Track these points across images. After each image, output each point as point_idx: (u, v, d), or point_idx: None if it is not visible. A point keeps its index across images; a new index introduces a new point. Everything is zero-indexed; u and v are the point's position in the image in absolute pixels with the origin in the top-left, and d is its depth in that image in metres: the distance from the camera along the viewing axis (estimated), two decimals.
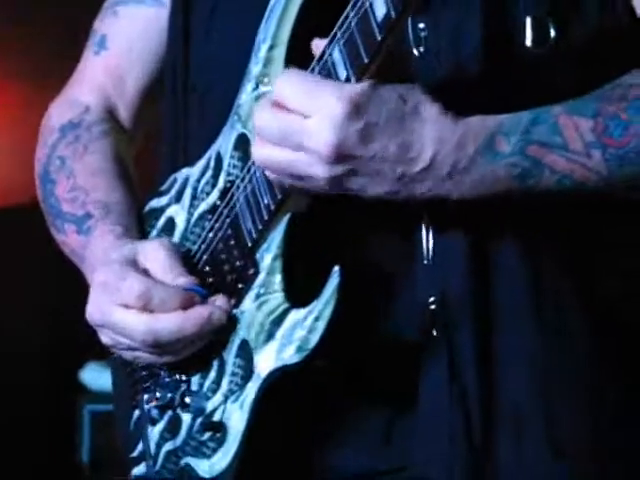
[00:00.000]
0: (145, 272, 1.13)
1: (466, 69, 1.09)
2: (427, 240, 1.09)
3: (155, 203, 1.28)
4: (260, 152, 1.03)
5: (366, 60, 0.97)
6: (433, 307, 1.09)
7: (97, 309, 1.14)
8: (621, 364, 1.13)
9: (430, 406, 1.09)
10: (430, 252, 1.09)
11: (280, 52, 1.11)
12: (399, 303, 1.12)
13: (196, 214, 1.21)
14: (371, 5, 0.94)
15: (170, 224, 1.24)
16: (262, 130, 1.02)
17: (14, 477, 4.34)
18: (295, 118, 0.98)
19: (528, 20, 1.07)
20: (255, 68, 1.14)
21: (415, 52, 1.09)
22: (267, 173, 1.05)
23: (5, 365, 4.27)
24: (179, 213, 1.23)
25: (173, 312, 1.09)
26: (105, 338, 1.17)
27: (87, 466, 4.31)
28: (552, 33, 1.07)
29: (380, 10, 0.93)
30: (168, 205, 1.26)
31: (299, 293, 1.06)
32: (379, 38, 0.95)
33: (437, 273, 1.09)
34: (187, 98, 1.27)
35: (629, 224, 1.14)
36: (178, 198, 1.24)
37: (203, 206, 1.20)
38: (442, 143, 0.98)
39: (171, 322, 1.09)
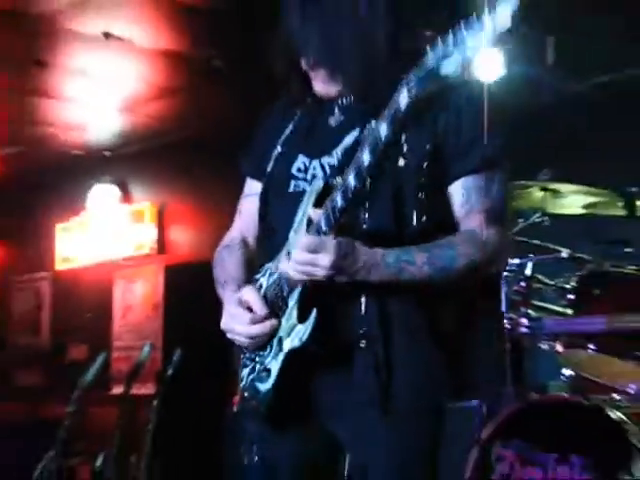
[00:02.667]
0: (244, 302, 2.09)
1: (381, 227, 1.99)
2: (364, 303, 1.99)
3: (256, 276, 2.18)
4: (295, 268, 1.93)
5: (333, 224, 1.91)
6: (363, 330, 1.98)
7: (226, 324, 2.12)
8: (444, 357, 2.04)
9: (363, 369, 1.97)
10: (362, 308, 1.98)
11: (304, 222, 2.01)
12: (349, 329, 1.99)
13: (270, 281, 2.11)
14: (335, 201, 1.89)
15: (260, 285, 2.14)
16: (295, 259, 1.91)
17: None
18: (312, 255, 1.87)
19: (414, 212, 1.99)
20: (291, 234, 2.07)
21: (363, 225, 2.00)
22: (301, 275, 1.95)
23: None
24: (264, 282, 2.14)
25: (255, 325, 2.05)
26: (228, 335, 2.12)
27: None
28: (415, 220, 1.99)
29: (339, 203, 1.88)
30: (259, 278, 2.17)
31: (305, 316, 1.96)
32: (338, 217, 1.89)
33: (367, 317, 1.98)
34: (266, 237, 2.23)
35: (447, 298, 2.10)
36: (264, 275, 2.15)
37: (272, 279, 2.10)
38: (367, 258, 1.90)
39: (256, 329, 2.04)
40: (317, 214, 1.93)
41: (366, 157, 1.83)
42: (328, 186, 1.95)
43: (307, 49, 2.06)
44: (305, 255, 1.86)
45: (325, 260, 1.84)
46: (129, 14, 5.24)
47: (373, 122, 1.84)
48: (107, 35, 5.48)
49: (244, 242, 2.26)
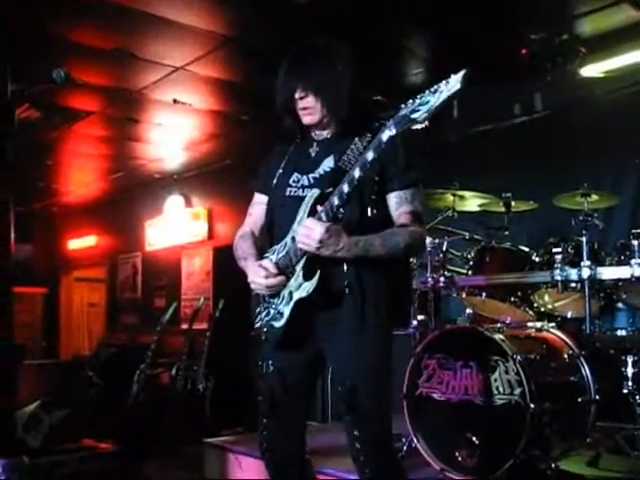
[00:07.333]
0: (262, 266, 1.98)
1: (352, 217, 1.91)
2: (346, 267, 1.91)
3: (267, 254, 2.06)
4: (298, 239, 1.86)
5: (331, 217, 1.83)
6: (347, 282, 1.91)
7: (251, 279, 2.01)
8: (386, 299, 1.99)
9: (349, 305, 1.92)
10: (345, 270, 1.90)
11: (305, 217, 1.91)
12: (337, 283, 1.92)
13: (280, 256, 2.00)
14: (332, 201, 1.81)
15: (270, 259, 2.02)
16: (300, 233, 1.85)
17: None
18: (312, 231, 1.81)
19: (369, 208, 1.94)
20: (295, 225, 1.95)
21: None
22: (301, 245, 1.86)
23: None
24: (273, 257, 2.02)
25: (270, 279, 1.95)
26: (252, 285, 2.02)
27: None
28: (370, 212, 1.94)
29: (336, 202, 1.81)
30: (269, 255, 2.05)
31: (309, 276, 1.90)
32: (334, 211, 1.82)
33: (349, 275, 1.91)
34: (272, 228, 2.11)
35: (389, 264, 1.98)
36: (273, 253, 2.03)
37: (281, 254, 2.00)
38: (347, 242, 1.83)
39: (272, 281, 1.95)
40: (319, 210, 1.84)
41: (357, 173, 1.75)
42: (322, 194, 1.87)
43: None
44: (304, 230, 1.81)
45: (316, 236, 1.78)
46: (189, 87, 5.13)
47: (366, 151, 1.75)
48: (175, 101, 5.38)
49: (252, 234, 2.16)
